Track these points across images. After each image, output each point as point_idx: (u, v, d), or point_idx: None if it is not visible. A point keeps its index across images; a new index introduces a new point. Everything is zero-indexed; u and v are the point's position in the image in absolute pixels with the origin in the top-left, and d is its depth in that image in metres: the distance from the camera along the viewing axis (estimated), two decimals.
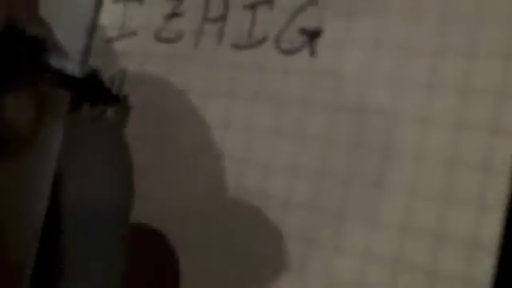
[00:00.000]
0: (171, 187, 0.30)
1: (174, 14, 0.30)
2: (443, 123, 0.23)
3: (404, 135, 0.24)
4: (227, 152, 0.28)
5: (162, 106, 0.30)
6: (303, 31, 0.27)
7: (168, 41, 0.30)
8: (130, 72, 0.31)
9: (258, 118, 0.28)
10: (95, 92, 0.26)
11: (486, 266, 0.21)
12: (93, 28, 0.33)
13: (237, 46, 0.28)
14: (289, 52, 0.27)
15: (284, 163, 0.27)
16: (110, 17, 0.32)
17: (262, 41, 0.28)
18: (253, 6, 0.28)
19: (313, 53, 0.26)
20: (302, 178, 0.26)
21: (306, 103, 0.26)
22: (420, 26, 0.24)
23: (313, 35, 0.26)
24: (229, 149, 0.28)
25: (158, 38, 0.30)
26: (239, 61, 0.28)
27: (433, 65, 0.24)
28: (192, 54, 0.30)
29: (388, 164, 0.24)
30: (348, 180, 0.25)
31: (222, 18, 0.29)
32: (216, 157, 0.29)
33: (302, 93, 0.27)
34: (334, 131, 0.26)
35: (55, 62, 0.24)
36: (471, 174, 0.22)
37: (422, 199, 0.23)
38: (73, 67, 0.26)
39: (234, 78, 0.28)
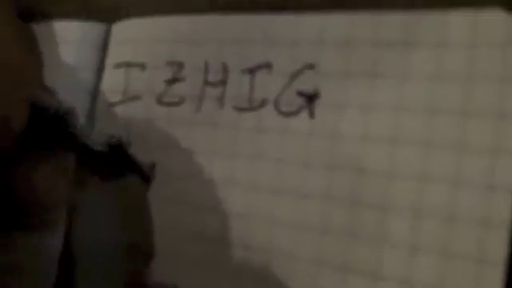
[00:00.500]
0: (178, 245, 0.30)
1: (175, 79, 0.31)
2: (440, 180, 0.24)
3: (402, 192, 0.25)
4: (231, 209, 0.29)
5: (166, 167, 0.31)
6: (301, 94, 0.28)
7: (170, 105, 0.31)
8: (134, 135, 0.32)
9: (260, 176, 0.28)
10: (120, 163, 0.27)
11: None
12: (95, 92, 0.34)
13: (238, 109, 0.29)
14: (288, 114, 0.28)
15: (286, 219, 0.27)
16: (112, 82, 0.33)
17: (262, 103, 0.29)
18: (251, 71, 0.29)
19: (311, 115, 0.27)
20: (304, 233, 0.27)
21: (305, 163, 0.27)
22: (412, 86, 0.25)
23: (311, 98, 0.27)
24: (233, 206, 0.29)
25: (160, 102, 0.31)
26: (240, 123, 0.29)
27: (428, 122, 0.25)
28: (194, 118, 0.30)
29: (387, 220, 0.25)
30: (349, 235, 0.26)
31: (223, 82, 0.30)
32: (221, 214, 0.29)
33: (302, 153, 0.27)
34: (333, 189, 0.26)
35: (80, 134, 0.25)
36: (470, 229, 0.23)
37: (423, 254, 0.24)
38: (97, 138, 0.26)
39: (235, 139, 0.29)
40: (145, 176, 0.28)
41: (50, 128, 0.24)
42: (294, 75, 0.28)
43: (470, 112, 0.24)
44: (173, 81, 0.31)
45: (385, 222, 0.25)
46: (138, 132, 0.32)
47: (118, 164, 0.27)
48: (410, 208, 0.25)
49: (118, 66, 0.33)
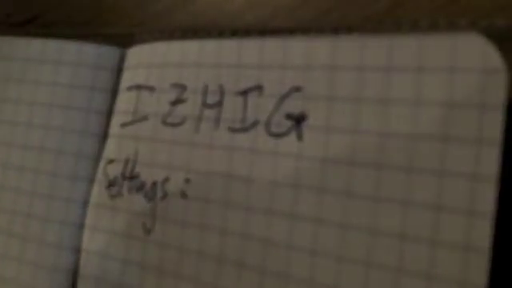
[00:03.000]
0: (180, 261, 0.31)
1: (178, 101, 0.32)
2: (424, 205, 0.24)
3: (388, 215, 0.25)
4: (228, 229, 0.30)
5: (167, 187, 0.32)
6: (289, 116, 0.28)
7: (173, 125, 0.32)
8: (141, 154, 0.33)
9: (254, 197, 0.29)
10: None
11: None
12: (109, 114, 0.36)
13: (232, 130, 0.30)
14: (278, 135, 0.29)
15: (279, 241, 0.28)
16: (124, 104, 0.35)
17: (254, 124, 0.29)
18: (244, 93, 0.30)
19: (300, 137, 0.28)
20: (296, 258, 0.27)
21: (295, 185, 0.28)
22: (393, 111, 0.25)
23: (298, 120, 0.28)
24: (228, 225, 0.30)
25: (165, 123, 0.33)
26: (235, 143, 0.30)
27: (411, 146, 0.25)
28: (193, 138, 0.31)
29: (374, 243, 0.25)
30: (338, 259, 0.26)
31: (219, 104, 0.31)
32: (220, 233, 0.30)
33: (291, 174, 0.28)
34: (323, 212, 0.27)
35: None
36: None
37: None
38: None
39: (230, 159, 0.30)
40: None
41: None
42: (283, 97, 0.29)
43: (450, 137, 0.24)
44: (176, 102, 0.33)
45: (372, 244, 0.26)
46: (144, 151, 0.33)
47: None
48: (396, 232, 0.25)
49: (130, 88, 0.35)
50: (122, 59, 0.36)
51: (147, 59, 0.35)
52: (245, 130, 0.30)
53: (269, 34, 0.31)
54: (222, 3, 0.36)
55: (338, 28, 0.30)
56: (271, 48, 0.29)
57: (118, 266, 0.33)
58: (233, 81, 0.30)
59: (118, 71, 0.36)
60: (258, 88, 0.30)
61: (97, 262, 0.34)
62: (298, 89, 0.28)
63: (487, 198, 0.23)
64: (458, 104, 0.24)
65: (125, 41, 0.37)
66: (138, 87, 0.35)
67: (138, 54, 0.36)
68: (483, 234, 0.23)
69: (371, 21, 0.30)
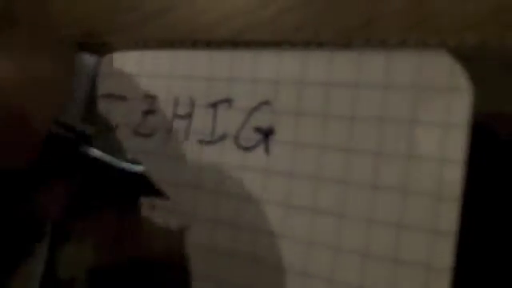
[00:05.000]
0: None
1: (149, 111, 0.32)
2: (386, 223, 0.24)
3: (352, 232, 0.25)
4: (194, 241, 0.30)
5: None
6: (258, 130, 0.28)
7: (144, 136, 0.32)
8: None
9: (222, 210, 0.29)
10: (141, 187, 0.28)
11: None
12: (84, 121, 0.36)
13: (201, 142, 0.30)
14: (246, 149, 0.28)
15: (244, 253, 0.28)
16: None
17: (223, 137, 0.29)
18: (214, 105, 0.30)
19: (267, 150, 0.28)
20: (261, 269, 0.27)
21: (261, 199, 0.28)
22: (359, 127, 0.25)
23: (266, 134, 0.28)
24: (193, 239, 0.30)
25: (136, 133, 0.33)
26: (203, 156, 0.30)
27: (375, 163, 0.25)
28: (163, 149, 0.31)
29: (337, 258, 0.25)
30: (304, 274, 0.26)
31: (189, 116, 0.31)
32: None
33: (258, 188, 0.28)
34: (287, 227, 0.27)
35: (104, 157, 0.26)
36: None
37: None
38: (119, 161, 0.28)
39: (199, 171, 0.30)
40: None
41: (73, 147, 0.26)
42: (252, 111, 0.29)
43: (413, 156, 0.24)
44: (147, 112, 0.32)
45: (336, 260, 0.26)
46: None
47: (139, 187, 0.28)
48: (358, 250, 0.25)
49: (102, 97, 0.35)
50: (97, 67, 0.36)
51: (119, 68, 0.35)
52: (213, 142, 0.30)
53: (242, 46, 0.31)
54: (197, 15, 0.36)
55: (309, 43, 0.30)
56: (242, 61, 0.29)
57: None
58: (203, 93, 0.30)
59: (93, 78, 0.36)
60: (228, 101, 0.29)
61: None
62: (266, 102, 0.28)
63: (451, 218, 0.23)
64: (422, 122, 0.24)
65: (100, 49, 0.36)
66: (109, 96, 0.34)
67: (110, 63, 0.35)
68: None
69: (342, 37, 0.30)
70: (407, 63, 0.25)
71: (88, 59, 0.37)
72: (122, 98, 0.34)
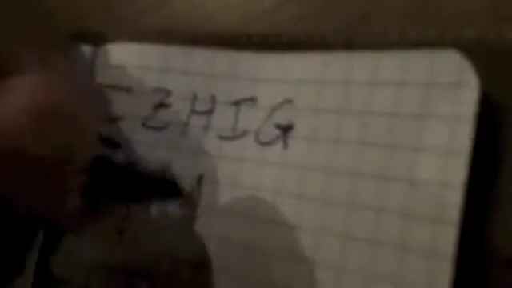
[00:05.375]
0: None
1: (161, 105, 0.33)
2: (394, 211, 0.27)
3: (362, 222, 0.27)
4: (208, 234, 0.31)
5: None
6: (278, 126, 0.30)
7: (154, 129, 0.33)
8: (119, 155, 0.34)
9: (236, 204, 0.31)
10: (164, 187, 0.28)
11: None
12: None
13: (221, 138, 0.32)
14: (265, 144, 0.30)
15: (257, 246, 0.30)
16: None
17: (244, 134, 0.31)
18: (236, 103, 0.32)
19: (285, 146, 0.30)
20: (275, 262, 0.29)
21: (277, 192, 0.30)
22: (374, 121, 0.28)
23: (285, 129, 0.30)
24: (209, 231, 0.31)
25: (145, 126, 0.33)
26: (223, 151, 0.31)
27: (387, 156, 0.27)
28: (179, 142, 0.32)
29: (346, 248, 0.28)
30: (314, 262, 0.28)
31: (209, 112, 0.32)
32: (200, 238, 0.31)
33: (275, 182, 0.30)
34: (302, 219, 0.29)
35: (126, 158, 0.25)
36: None
37: None
38: (141, 162, 0.27)
39: (217, 166, 0.31)
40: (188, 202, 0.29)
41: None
42: (274, 109, 0.30)
43: (422, 148, 0.26)
44: (159, 106, 0.33)
45: (344, 250, 0.28)
46: (122, 152, 0.33)
47: (162, 187, 0.28)
48: (367, 238, 0.27)
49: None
50: (94, 57, 0.36)
51: (119, 60, 0.35)
52: (234, 138, 0.31)
53: (242, 39, 0.32)
54: (195, 7, 0.36)
55: (311, 35, 0.32)
56: (268, 63, 0.31)
57: None
58: (226, 91, 0.32)
59: (90, 69, 0.36)
60: (252, 100, 0.31)
61: None
62: (289, 101, 0.30)
63: (454, 206, 0.25)
64: (431, 116, 0.27)
65: (96, 40, 0.36)
66: (110, 87, 0.35)
67: (108, 54, 0.36)
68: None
69: (343, 29, 0.31)
70: (420, 62, 0.27)
71: (85, 50, 0.36)
72: (127, 90, 0.34)
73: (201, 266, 0.30)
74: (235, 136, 0.31)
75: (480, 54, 0.26)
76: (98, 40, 0.36)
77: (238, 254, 0.30)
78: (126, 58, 0.35)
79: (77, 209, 0.25)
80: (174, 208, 0.30)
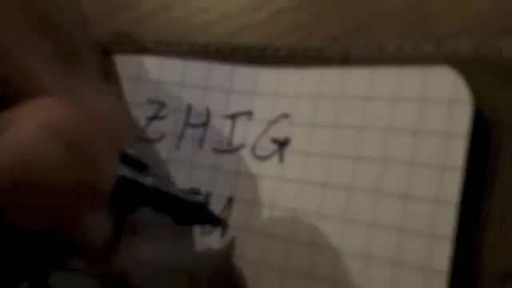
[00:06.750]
0: None
1: (154, 117, 0.33)
2: (389, 227, 0.27)
3: (354, 236, 0.27)
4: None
5: None
6: (274, 140, 0.30)
7: (149, 141, 0.33)
8: None
9: (233, 218, 0.31)
10: (197, 214, 0.28)
11: None
12: None
13: (217, 151, 0.31)
14: (262, 158, 0.30)
15: (251, 259, 0.30)
16: None
17: (240, 147, 0.31)
18: (233, 116, 0.32)
19: (281, 160, 0.30)
20: (267, 273, 0.29)
21: (274, 206, 0.30)
22: (369, 137, 0.28)
23: (282, 144, 0.30)
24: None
25: (139, 138, 0.33)
26: (218, 164, 0.31)
27: (381, 171, 0.27)
28: (173, 155, 0.32)
29: (340, 263, 0.27)
30: (308, 276, 0.28)
31: (204, 125, 0.32)
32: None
33: (271, 196, 0.30)
34: (295, 233, 0.29)
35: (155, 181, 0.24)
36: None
37: None
38: (171, 187, 0.27)
39: (213, 179, 0.31)
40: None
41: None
42: (271, 123, 0.31)
43: (416, 163, 0.27)
44: (153, 118, 0.33)
45: (338, 264, 0.28)
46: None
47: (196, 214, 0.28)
48: (361, 252, 0.27)
49: None
50: None
51: (117, 71, 0.35)
52: (230, 152, 0.31)
53: (239, 51, 0.32)
54: (193, 16, 0.36)
55: (308, 48, 0.32)
56: (264, 77, 0.31)
57: None
58: (221, 104, 0.32)
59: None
60: (248, 113, 0.31)
61: None
62: (286, 115, 0.30)
63: (448, 222, 0.25)
64: (425, 131, 0.27)
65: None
66: None
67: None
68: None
69: (339, 40, 0.32)
70: (414, 78, 0.27)
71: None
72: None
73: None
74: (231, 149, 0.31)
75: (477, 68, 0.27)
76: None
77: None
78: (121, 69, 0.34)
79: (106, 235, 0.23)
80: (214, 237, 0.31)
